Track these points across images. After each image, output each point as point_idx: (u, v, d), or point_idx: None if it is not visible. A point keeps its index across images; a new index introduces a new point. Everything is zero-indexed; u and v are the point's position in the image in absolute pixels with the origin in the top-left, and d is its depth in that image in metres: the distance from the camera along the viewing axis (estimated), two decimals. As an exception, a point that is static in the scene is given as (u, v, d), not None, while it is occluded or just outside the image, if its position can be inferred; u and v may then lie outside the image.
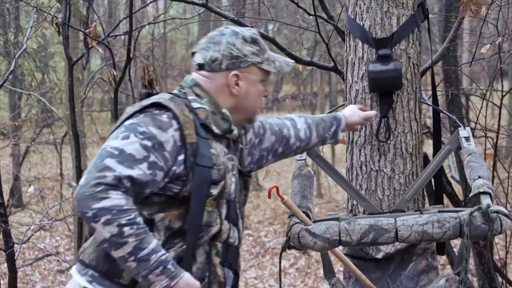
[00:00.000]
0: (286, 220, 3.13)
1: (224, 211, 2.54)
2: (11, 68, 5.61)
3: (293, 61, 2.78)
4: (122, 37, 6.76)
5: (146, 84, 5.32)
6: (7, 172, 16.14)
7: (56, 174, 14.46)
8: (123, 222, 2.26)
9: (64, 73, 10.39)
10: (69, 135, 8.96)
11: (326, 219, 3.16)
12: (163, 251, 2.33)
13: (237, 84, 2.58)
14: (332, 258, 3.45)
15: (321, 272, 10.68)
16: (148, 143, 2.35)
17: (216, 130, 2.52)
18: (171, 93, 2.56)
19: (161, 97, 2.49)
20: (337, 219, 3.10)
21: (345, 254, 3.41)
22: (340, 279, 3.43)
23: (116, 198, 2.26)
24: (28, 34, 5.97)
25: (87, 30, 5.02)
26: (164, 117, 2.42)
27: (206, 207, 2.46)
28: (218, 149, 2.52)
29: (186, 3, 5.08)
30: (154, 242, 2.32)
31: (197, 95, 2.55)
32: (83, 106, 8.37)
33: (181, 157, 2.41)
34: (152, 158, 2.35)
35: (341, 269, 3.73)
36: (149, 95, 2.56)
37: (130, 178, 2.30)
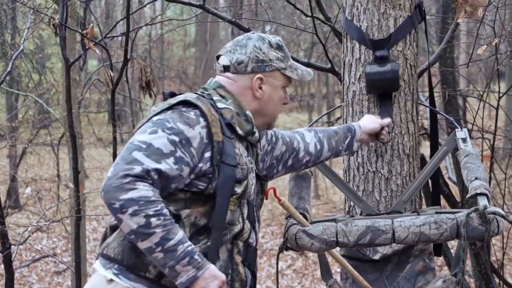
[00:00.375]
0: (283, 222, 3.13)
1: (245, 211, 2.57)
2: (8, 69, 5.60)
3: (311, 73, 2.78)
4: (119, 38, 6.75)
5: (143, 85, 5.32)
6: (4, 173, 16.15)
7: (53, 176, 14.44)
8: (151, 213, 2.29)
9: (61, 74, 10.37)
10: (66, 137, 8.95)
11: (323, 220, 3.16)
12: (189, 242, 2.35)
13: (260, 88, 2.64)
14: (329, 259, 3.45)
15: (318, 273, 10.68)
16: (176, 138, 2.39)
17: (239, 131, 2.56)
18: (196, 93, 2.61)
19: (188, 96, 2.54)
20: (334, 220, 3.10)
21: (342, 255, 3.41)
22: (337, 281, 3.43)
23: (144, 190, 2.29)
24: (25, 35, 5.96)
25: (84, 31, 5.02)
26: (192, 114, 2.46)
27: (229, 206, 2.48)
28: (241, 149, 2.56)
29: (183, 5, 5.08)
30: (180, 233, 2.34)
31: (221, 96, 2.60)
32: (80, 107, 8.37)
33: (207, 154, 2.45)
34: (179, 153, 2.39)
35: (338, 270, 3.73)
36: (173, 94, 2.60)
37: (158, 171, 2.33)
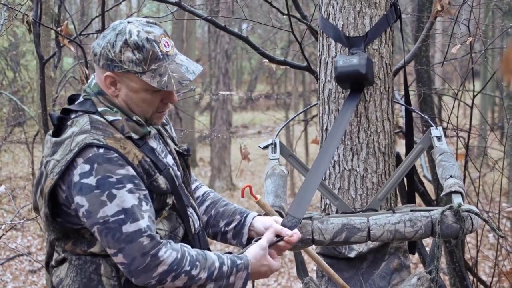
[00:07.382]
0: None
1: (181, 208, 2.48)
2: (-18, 66, 5.54)
3: (189, 79, 2.39)
4: (95, 35, 6.70)
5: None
6: (-22, 171, 15.97)
7: (28, 174, 14.32)
8: (188, 268, 2.29)
9: (35, 72, 10.29)
10: (41, 134, 8.86)
11: (299, 218, 3.15)
12: (225, 255, 2.37)
13: (114, 85, 2.38)
14: (305, 257, 3.46)
15: (294, 271, 10.69)
16: (130, 185, 2.25)
17: (135, 136, 2.37)
18: (83, 110, 2.39)
19: (84, 130, 2.31)
20: (310, 218, 3.10)
21: (318, 253, 3.41)
22: (313, 278, 3.43)
23: (167, 255, 2.26)
24: (-1, 32, 5.90)
25: (59, 29, 4.97)
26: (112, 154, 2.27)
27: (162, 216, 2.40)
28: (155, 145, 2.45)
29: (159, 2, 5.05)
30: (213, 256, 2.36)
31: (106, 105, 2.39)
32: (55, 105, 8.29)
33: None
34: (141, 193, 2.28)
35: (314, 268, 3.74)
36: (60, 119, 2.43)
37: (149, 227, 2.25)
